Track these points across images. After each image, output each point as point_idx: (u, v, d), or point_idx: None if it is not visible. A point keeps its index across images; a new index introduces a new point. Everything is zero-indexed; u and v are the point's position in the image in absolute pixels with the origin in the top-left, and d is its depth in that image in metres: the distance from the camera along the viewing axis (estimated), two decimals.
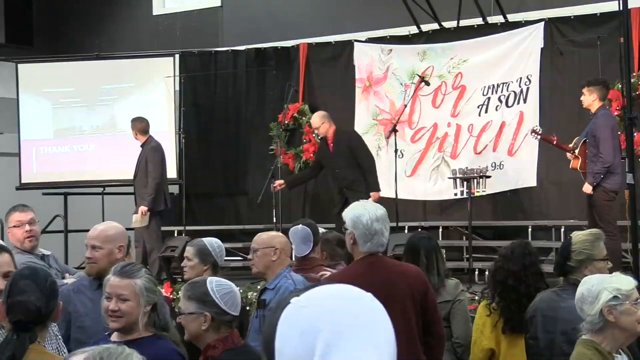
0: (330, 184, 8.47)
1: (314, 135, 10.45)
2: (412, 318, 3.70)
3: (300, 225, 5.16)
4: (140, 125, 8.76)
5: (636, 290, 3.21)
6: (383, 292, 3.65)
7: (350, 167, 8.12)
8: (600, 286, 3.18)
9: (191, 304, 3.12)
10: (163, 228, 10.65)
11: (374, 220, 3.69)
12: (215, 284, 3.17)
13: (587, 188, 7.17)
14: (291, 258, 5.36)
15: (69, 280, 4.47)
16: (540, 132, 7.93)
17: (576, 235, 3.95)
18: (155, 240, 8.47)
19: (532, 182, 9.05)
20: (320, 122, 8.34)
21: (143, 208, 8.37)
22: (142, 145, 8.75)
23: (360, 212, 3.74)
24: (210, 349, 3.09)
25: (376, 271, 3.71)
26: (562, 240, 8.40)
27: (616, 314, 3.14)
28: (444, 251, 7.96)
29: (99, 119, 10.76)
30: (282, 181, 8.60)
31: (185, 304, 3.14)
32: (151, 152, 8.61)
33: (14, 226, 4.70)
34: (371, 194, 7.93)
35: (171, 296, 7.64)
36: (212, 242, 4.72)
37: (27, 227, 4.69)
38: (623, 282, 3.20)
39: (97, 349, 1.65)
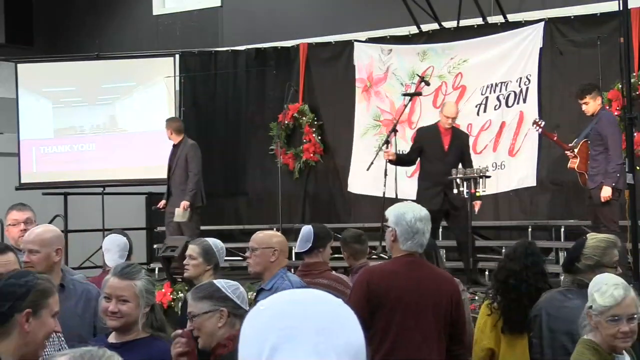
0: (426, 176, 7.96)
1: (314, 135, 10.46)
2: (443, 323, 3.73)
3: (309, 226, 5.22)
4: (176, 125, 8.94)
5: (622, 305, 3.12)
6: (419, 294, 3.70)
7: (455, 166, 7.78)
8: (592, 289, 3.19)
9: (204, 304, 3.06)
10: (162, 228, 10.71)
11: (417, 219, 3.72)
12: (224, 282, 3.16)
13: (607, 191, 7.02)
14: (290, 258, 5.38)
15: None
16: (542, 125, 7.92)
17: (591, 239, 3.89)
18: (194, 236, 8.56)
19: (532, 182, 9.05)
20: (457, 113, 8.00)
21: (185, 203, 8.59)
22: (176, 144, 8.88)
23: (405, 210, 3.77)
24: (220, 348, 3.03)
25: (414, 272, 3.73)
26: (562, 240, 8.42)
27: (593, 320, 3.15)
28: (443, 251, 7.99)
29: (100, 118, 10.77)
30: (393, 153, 8.07)
31: (198, 306, 3.06)
32: (192, 150, 8.83)
33: (10, 225, 4.72)
34: (476, 202, 7.67)
35: (171, 296, 7.66)
36: (215, 243, 4.70)
37: (22, 227, 4.69)
38: (605, 294, 3.13)
39: (78, 351, 1.64)
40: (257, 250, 4.36)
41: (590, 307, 3.14)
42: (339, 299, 1.34)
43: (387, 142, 8.18)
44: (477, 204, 7.66)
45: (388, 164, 8.09)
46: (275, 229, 8.73)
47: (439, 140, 7.86)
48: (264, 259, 4.34)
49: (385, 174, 8.14)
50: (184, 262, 4.72)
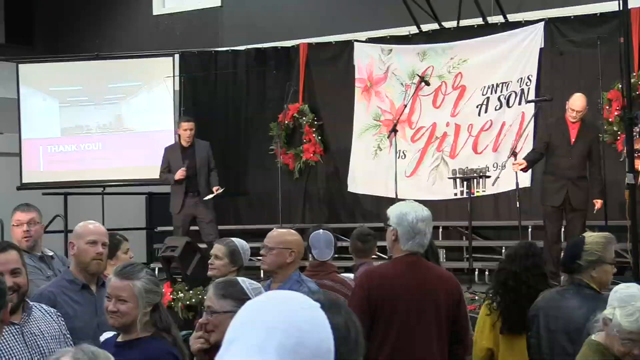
0: (550, 170, 7.62)
1: (314, 135, 10.46)
2: (444, 324, 3.71)
3: (322, 230, 5.13)
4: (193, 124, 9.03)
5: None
6: (420, 295, 3.69)
7: (582, 161, 7.48)
8: (616, 301, 3.13)
9: (227, 303, 3.04)
10: (162, 228, 10.72)
11: (419, 219, 3.71)
12: (248, 283, 3.15)
13: None
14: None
15: None
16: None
17: (589, 236, 3.90)
18: (216, 233, 8.69)
19: (527, 182, 8.97)
20: (585, 106, 7.58)
21: (219, 187, 8.76)
22: (191, 145, 8.91)
23: (407, 210, 3.75)
24: None
25: (415, 273, 3.72)
26: (562, 240, 8.41)
27: (608, 329, 3.12)
28: (443, 251, 7.99)
29: (105, 118, 10.77)
30: (523, 162, 7.68)
31: (219, 303, 3.02)
32: (210, 149, 9.02)
33: (14, 225, 4.71)
34: (596, 201, 7.45)
35: (171, 296, 7.65)
36: (241, 244, 4.66)
37: (25, 227, 4.69)
38: (630, 318, 3.06)
39: (71, 349, 1.69)
40: (274, 250, 4.25)
41: (610, 319, 3.09)
42: (317, 303, 1.35)
43: (514, 153, 7.84)
44: (599, 203, 7.44)
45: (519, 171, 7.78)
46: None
47: (565, 134, 7.52)
48: (280, 259, 4.23)
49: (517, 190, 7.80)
50: (209, 261, 4.66)
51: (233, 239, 4.78)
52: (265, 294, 1.40)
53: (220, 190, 8.76)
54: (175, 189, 8.92)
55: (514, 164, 7.69)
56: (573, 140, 7.50)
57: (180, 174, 8.72)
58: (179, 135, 9.06)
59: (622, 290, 3.19)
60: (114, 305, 3.11)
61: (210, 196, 8.75)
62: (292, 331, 1.29)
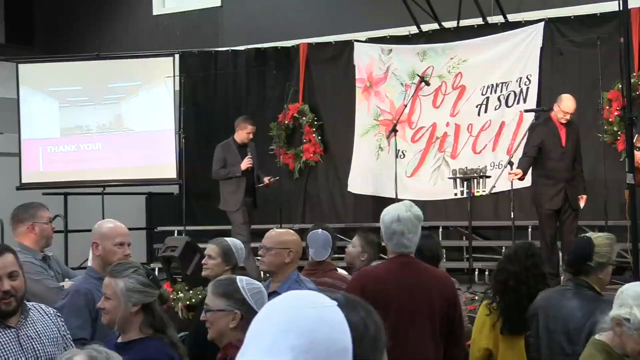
0: (546, 174, 7.53)
1: (314, 135, 10.46)
2: (439, 324, 3.70)
3: (320, 230, 5.14)
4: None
5: None
6: (415, 295, 3.68)
7: (572, 161, 7.49)
8: (631, 300, 3.04)
9: (221, 301, 3.07)
10: (162, 228, 10.70)
11: (394, 220, 3.68)
12: (246, 282, 3.15)
13: None
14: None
15: (66, 284, 4.43)
16: None
17: (596, 238, 3.87)
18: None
19: (526, 182, 8.96)
20: (574, 108, 7.49)
21: (272, 177, 8.73)
22: (247, 143, 8.77)
23: (387, 211, 3.76)
24: (232, 348, 2.98)
25: (409, 273, 3.72)
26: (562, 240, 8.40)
27: (623, 329, 3.05)
28: (443, 251, 7.97)
29: (105, 118, 10.76)
30: (520, 172, 7.51)
31: (214, 301, 3.08)
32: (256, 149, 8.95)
33: (44, 223, 4.64)
34: (581, 196, 7.46)
35: (171, 296, 7.65)
36: (235, 243, 4.68)
37: (53, 225, 4.75)
38: None
39: (84, 350, 1.70)
40: (272, 250, 4.27)
41: (628, 319, 3.02)
42: (333, 301, 1.34)
43: (510, 162, 7.65)
44: (583, 199, 7.46)
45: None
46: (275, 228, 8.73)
47: (557, 136, 7.48)
48: (278, 260, 4.25)
49: None
50: (202, 261, 4.70)
51: (227, 238, 4.81)
52: (282, 295, 1.39)
53: (273, 180, 8.72)
54: (234, 187, 8.69)
55: (510, 173, 7.62)
56: (564, 142, 7.49)
57: (247, 162, 8.58)
58: (235, 134, 8.85)
59: (632, 288, 3.12)
60: (102, 302, 3.17)
61: (263, 184, 8.74)
62: (303, 331, 1.29)
